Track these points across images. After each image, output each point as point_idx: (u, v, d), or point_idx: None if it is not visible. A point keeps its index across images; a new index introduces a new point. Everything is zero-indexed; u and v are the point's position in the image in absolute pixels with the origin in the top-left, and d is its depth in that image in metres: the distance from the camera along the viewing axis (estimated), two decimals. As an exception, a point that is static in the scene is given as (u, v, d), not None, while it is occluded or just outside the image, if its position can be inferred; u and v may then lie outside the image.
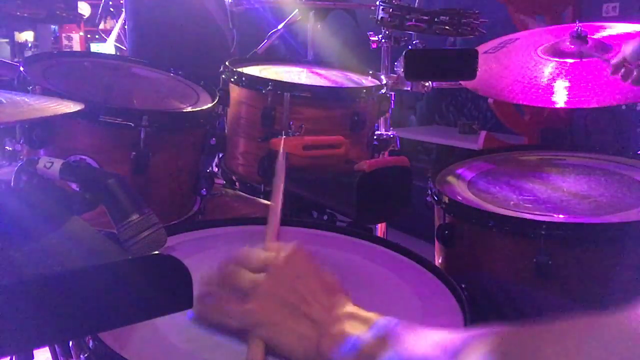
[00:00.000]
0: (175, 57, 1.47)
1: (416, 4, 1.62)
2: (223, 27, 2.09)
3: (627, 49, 1.23)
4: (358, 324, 0.59)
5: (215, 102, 1.27)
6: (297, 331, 0.61)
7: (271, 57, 1.65)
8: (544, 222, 1.01)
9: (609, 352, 0.38)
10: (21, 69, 1.11)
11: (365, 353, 0.56)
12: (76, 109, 0.83)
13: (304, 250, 0.68)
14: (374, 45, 1.63)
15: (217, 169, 1.45)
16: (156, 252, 0.70)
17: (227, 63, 1.40)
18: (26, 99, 0.86)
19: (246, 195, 1.44)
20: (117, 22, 3.32)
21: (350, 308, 0.62)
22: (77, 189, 0.72)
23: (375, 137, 1.47)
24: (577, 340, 0.41)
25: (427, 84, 1.56)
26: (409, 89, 1.59)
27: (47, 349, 1.05)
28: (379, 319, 0.59)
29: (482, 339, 0.47)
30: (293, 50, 2.06)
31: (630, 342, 0.38)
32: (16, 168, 0.74)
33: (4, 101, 0.80)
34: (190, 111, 1.20)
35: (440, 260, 1.20)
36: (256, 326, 0.61)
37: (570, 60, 1.46)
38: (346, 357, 0.57)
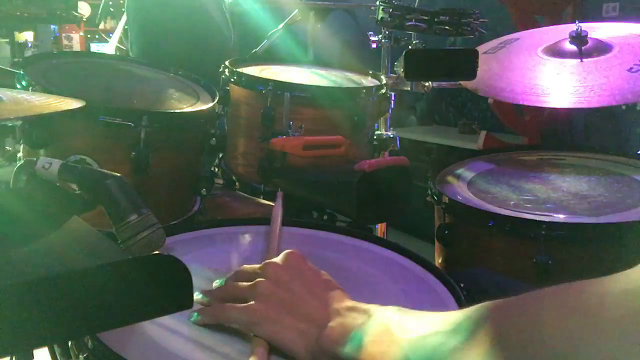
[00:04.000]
0: (180, 58, 1.46)
1: (416, 4, 1.62)
2: (222, 27, 2.09)
3: None
4: (358, 315, 0.59)
5: (215, 102, 1.27)
6: (297, 328, 0.61)
7: (271, 57, 1.65)
8: (544, 222, 1.01)
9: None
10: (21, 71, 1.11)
11: (369, 343, 0.56)
12: (77, 106, 0.83)
13: (298, 253, 0.69)
14: (374, 45, 1.63)
15: (217, 169, 1.45)
16: (156, 252, 0.70)
17: (227, 63, 1.40)
18: (27, 97, 0.86)
19: (246, 195, 1.44)
20: (117, 22, 3.31)
21: (348, 302, 0.63)
22: (76, 189, 0.72)
23: (375, 137, 1.47)
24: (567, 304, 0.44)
25: (427, 84, 1.56)
26: (409, 89, 1.59)
27: (47, 348, 1.05)
28: (379, 309, 0.59)
29: (481, 309, 0.48)
30: (293, 50, 2.06)
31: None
32: (15, 168, 0.74)
33: (5, 98, 0.80)
34: (190, 111, 1.20)
35: (440, 260, 1.19)
36: (257, 325, 0.62)
37: (570, 60, 1.46)
38: (350, 350, 0.57)
